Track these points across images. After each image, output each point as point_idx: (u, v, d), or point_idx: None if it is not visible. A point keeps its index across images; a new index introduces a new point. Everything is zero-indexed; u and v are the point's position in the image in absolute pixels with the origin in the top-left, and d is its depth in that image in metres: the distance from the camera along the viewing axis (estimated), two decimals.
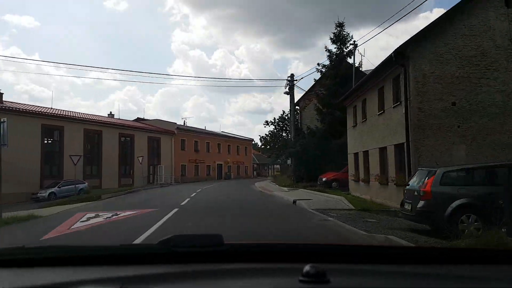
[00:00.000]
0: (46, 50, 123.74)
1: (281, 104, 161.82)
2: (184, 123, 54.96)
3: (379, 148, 17.12)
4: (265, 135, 43.38)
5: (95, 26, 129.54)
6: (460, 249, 2.50)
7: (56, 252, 1.37)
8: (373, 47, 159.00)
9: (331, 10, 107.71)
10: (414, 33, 13.95)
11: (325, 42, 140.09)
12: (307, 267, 1.06)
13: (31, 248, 1.39)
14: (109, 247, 1.48)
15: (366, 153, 19.47)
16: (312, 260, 1.11)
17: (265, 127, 51.03)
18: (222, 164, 58.18)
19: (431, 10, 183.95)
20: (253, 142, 68.12)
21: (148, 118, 51.03)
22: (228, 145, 60.39)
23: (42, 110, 33.00)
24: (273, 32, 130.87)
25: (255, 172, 71.41)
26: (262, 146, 43.48)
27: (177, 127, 48.82)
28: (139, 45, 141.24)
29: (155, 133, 45.28)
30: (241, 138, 65.08)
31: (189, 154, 50.68)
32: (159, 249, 1.30)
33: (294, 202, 15.86)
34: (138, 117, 51.46)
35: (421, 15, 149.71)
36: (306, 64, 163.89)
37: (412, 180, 9.76)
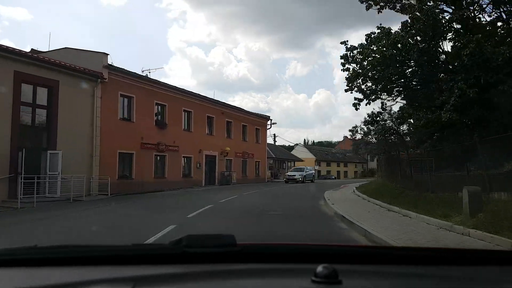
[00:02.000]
0: (39, 43, 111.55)
1: (278, 104, 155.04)
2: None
3: None
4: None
5: (90, 21, 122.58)
6: (476, 250, 2.18)
7: (69, 251, 1.36)
8: None
9: (331, 11, 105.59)
10: None
11: (324, 43, 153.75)
12: (319, 268, 1.06)
13: (44, 248, 1.37)
14: (121, 247, 1.43)
15: None
16: (324, 261, 1.11)
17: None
18: (215, 157, 30.50)
19: None
20: (270, 120, 40.31)
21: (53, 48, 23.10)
22: (228, 122, 32.72)
23: None
24: (273, 31, 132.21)
25: (269, 173, 43.66)
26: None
27: (109, 66, 21.10)
28: (135, 40, 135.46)
29: (44, 69, 17.68)
30: (251, 113, 37.40)
31: (143, 131, 23.08)
32: (171, 249, 1.29)
33: None
34: (32, 48, 23.65)
35: None
36: (305, 65, 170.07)
37: None
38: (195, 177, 27.66)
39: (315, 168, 70.20)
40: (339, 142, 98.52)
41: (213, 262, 1.24)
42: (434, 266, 1.31)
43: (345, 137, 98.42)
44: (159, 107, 25.08)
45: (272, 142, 52.45)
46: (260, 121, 38.78)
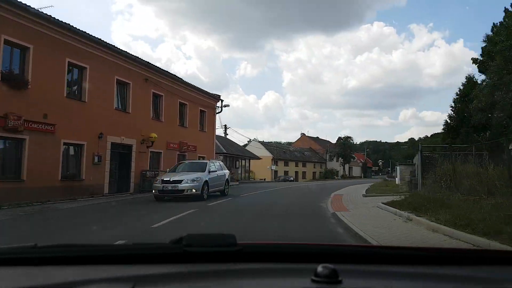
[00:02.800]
0: None
1: (230, 104, 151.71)
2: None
3: None
4: None
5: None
6: (477, 250, 2.36)
7: (69, 251, 1.35)
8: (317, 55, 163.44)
9: (280, 14, 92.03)
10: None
11: (273, 46, 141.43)
12: (319, 268, 1.05)
13: (43, 247, 1.33)
14: (121, 246, 1.48)
15: None
16: (324, 261, 1.10)
17: None
18: (131, 147, 19.18)
19: (371, 23, 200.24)
20: (221, 101, 29.33)
21: None
22: (157, 95, 21.48)
23: None
24: (223, 30, 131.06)
25: None
26: None
27: None
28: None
29: None
30: (194, 88, 26.09)
31: None
32: (171, 249, 1.27)
33: None
34: None
35: (363, 26, 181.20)
36: (255, 67, 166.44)
37: None
38: (89, 180, 16.17)
39: (272, 168, 60.29)
40: (292, 142, 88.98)
41: (213, 262, 1.23)
42: (434, 266, 1.28)
43: (303, 134, 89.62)
44: (13, 50, 13.47)
45: (223, 135, 41.76)
46: (207, 101, 27.77)
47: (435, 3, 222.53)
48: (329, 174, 71.86)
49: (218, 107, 29.02)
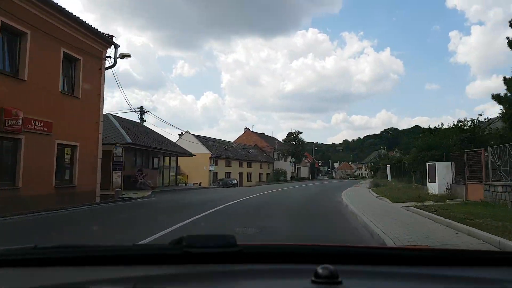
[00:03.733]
0: None
1: (164, 103, 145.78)
2: None
3: None
4: None
5: None
6: (477, 251, 2.29)
7: (69, 252, 1.35)
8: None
9: (219, 14, 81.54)
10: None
11: (212, 46, 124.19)
12: (319, 269, 1.04)
13: (43, 248, 1.33)
14: (122, 247, 1.44)
15: None
16: (324, 261, 1.10)
17: None
18: None
19: (307, 29, 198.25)
20: (115, 46, 16.60)
21: None
22: None
23: None
24: (157, 27, 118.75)
25: (117, 177, 19.73)
26: None
27: None
28: None
29: None
30: (53, 9, 13.20)
31: None
32: (172, 249, 1.27)
33: None
34: None
35: (299, 32, 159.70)
36: (192, 66, 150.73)
37: None
38: None
39: (211, 169, 47.92)
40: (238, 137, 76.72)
41: (214, 262, 1.22)
42: (434, 266, 1.27)
43: (247, 129, 77.96)
44: None
45: (138, 120, 28.82)
46: (84, 41, 14.82)
47: (365, 13, 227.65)
48: (280, 176, 60.96)
49: (110, 57, 16.19)
